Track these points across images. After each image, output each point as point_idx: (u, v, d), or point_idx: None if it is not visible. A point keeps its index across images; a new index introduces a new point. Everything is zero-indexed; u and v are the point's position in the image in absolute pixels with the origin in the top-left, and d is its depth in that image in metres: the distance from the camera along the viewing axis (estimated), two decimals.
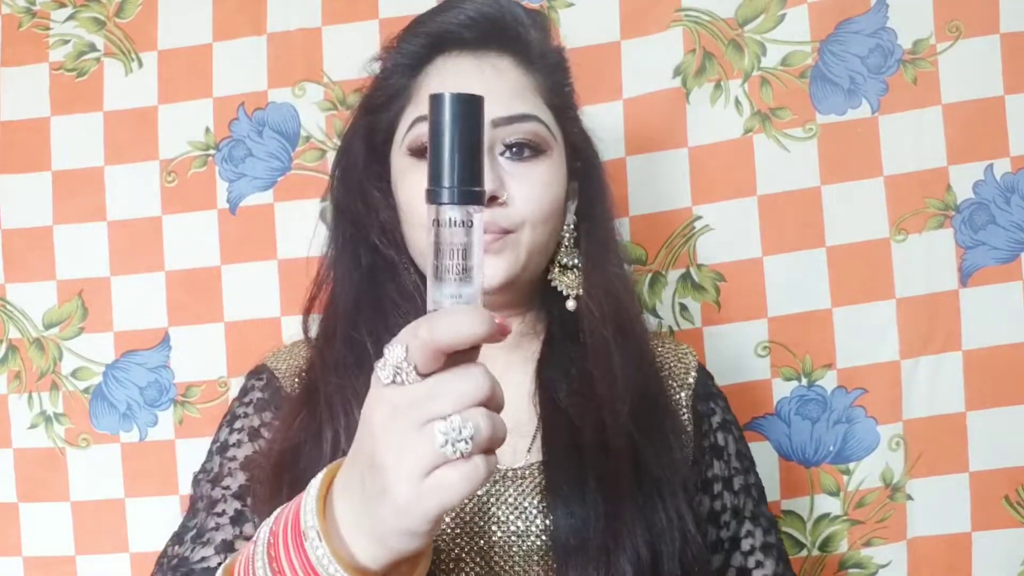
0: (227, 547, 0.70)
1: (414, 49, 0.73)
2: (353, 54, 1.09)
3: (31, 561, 1.11)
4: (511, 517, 0.69)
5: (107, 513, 1.10)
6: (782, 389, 1.07)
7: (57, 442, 1.11)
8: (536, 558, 0.68)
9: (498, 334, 0.43)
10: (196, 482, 0.77)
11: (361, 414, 0.46)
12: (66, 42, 1.14)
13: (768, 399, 1.07)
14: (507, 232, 0.70)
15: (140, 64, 1.13)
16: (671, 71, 1.07)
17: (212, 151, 1.12)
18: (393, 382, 0.44)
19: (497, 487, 0.70)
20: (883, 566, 1.06)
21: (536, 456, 0.71)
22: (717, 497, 0.79)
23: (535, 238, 0.72)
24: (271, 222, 1.11)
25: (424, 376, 0.43)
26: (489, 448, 0.43)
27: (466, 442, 0.41)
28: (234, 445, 0.77)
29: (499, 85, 0.71)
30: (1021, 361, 1.03)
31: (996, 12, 1.03)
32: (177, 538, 0.74)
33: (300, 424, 0.71)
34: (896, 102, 1.05)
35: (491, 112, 0.68)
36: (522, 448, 0.72)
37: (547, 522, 0.68)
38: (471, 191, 0.45)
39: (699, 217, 1.07)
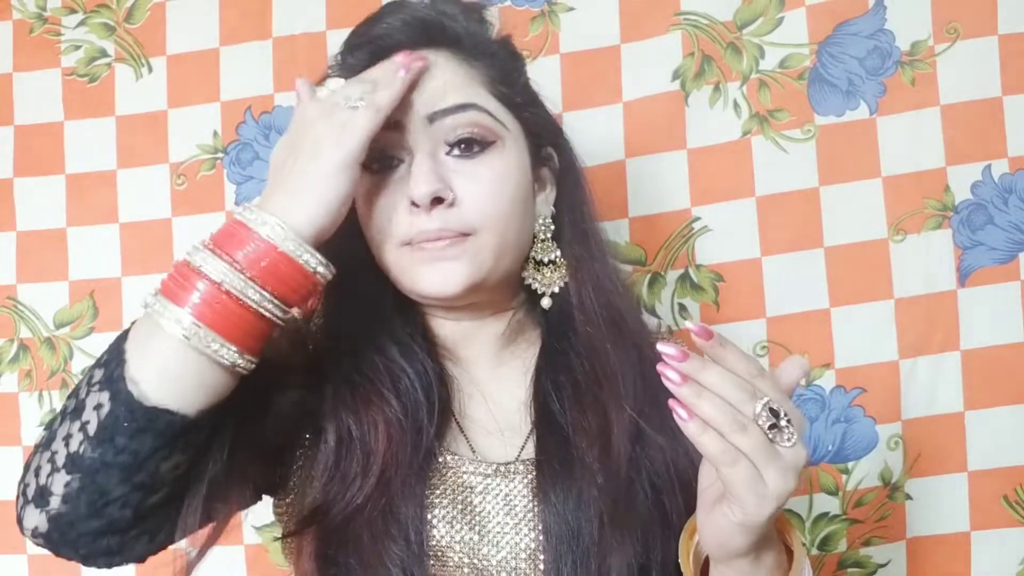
0: None
1: (357, 63, 0.71)
2: None
3: (35, 560, 1.13)
4: (500, 511, 0.69)
5: None
6: None
7: None
8: (524, 555, 0.68)
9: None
10: None
11: (296, 118, 0.63)
12: (77, 47, 1.17)
13: None
14: (464, 235, 0.66)
15: (150, 69, 1.15)
16: (670, 74, 1.08)
17: (220, 154, 1.14)
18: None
19: (488, 481, 0.70)
20: (882, 565, 1.06)
21: (529, 453, 0.71)
22: None
23: (499, 238, 0.68)
24: None
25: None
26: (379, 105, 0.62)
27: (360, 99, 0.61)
28: None
29: (432, 81, 0.68)
30: (1019, 361, 1.03)
31: (994, 13, 1.04)
32: None
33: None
34: (894, 103, 1.05)
35: (427, 107, 0.67)
36: (515, 444, 0.72)
37: (536, 520, 0.68)
38: None
39: (698, 218, 1.08)
